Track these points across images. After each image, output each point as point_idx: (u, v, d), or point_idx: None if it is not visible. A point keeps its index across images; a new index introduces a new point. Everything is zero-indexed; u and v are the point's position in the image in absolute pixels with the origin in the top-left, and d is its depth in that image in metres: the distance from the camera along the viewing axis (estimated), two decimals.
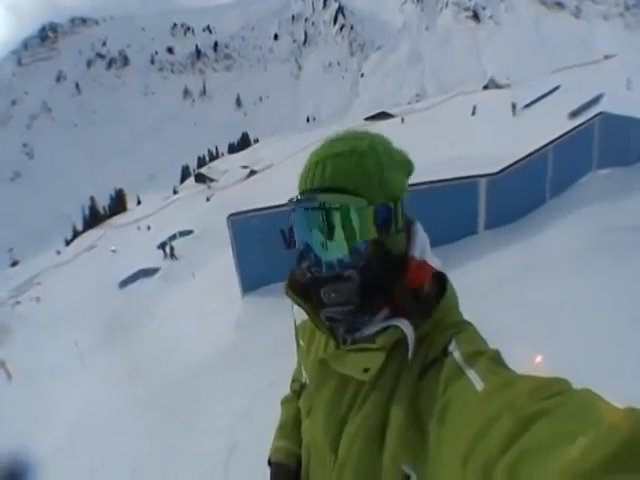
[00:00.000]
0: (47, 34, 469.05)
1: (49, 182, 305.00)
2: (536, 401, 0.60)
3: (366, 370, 0.91)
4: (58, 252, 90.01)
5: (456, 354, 0.82)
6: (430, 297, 0.97)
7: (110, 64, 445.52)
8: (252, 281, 8.76)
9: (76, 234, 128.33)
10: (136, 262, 31.29)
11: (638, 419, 0.48)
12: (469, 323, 0.96)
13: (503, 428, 0.59)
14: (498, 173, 8.84)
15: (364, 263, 0.93)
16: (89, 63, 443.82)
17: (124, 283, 28.66)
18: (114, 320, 18.30)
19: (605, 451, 0.45)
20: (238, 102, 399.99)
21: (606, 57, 73.05)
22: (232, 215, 8.74)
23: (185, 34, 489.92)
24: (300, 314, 1.25)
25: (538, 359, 2.93)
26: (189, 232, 36.57)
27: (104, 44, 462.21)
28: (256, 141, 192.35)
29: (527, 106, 33.07)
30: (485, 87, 75.27)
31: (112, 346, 13.29)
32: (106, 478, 5.41)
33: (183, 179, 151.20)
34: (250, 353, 6.70)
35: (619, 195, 8.34)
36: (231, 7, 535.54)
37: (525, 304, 4.89)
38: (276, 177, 42.59)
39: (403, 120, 54.41)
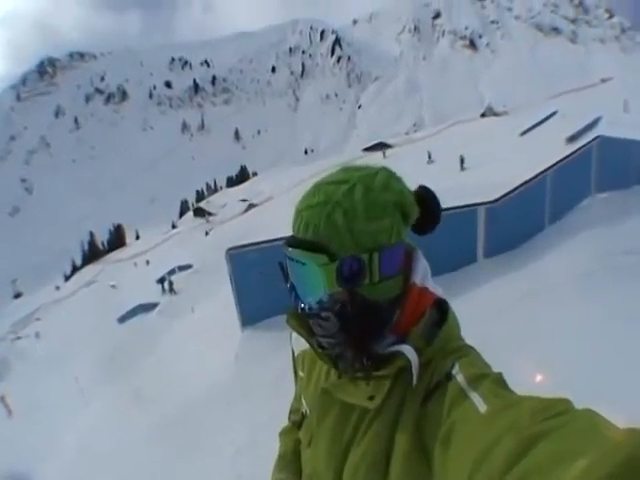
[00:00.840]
0: (46, 69, 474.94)
1: (48, 217, 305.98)
2: (538, 422, 0.60)
3: (371, 398, 0.92)
4: (57, 287, 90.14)
5: (459, 377, 0.83)
6: (432, 324, 0.98)
7: (108, 99, 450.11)
8: (251, 315, 8.71)
9: (75, 269, 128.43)
10: (135, 297, 31.24)
11: (638, 440, 0.48)
12: (471, 347, 0.97)
13: (506, 449, 0.59)
14: (496, 201, 8.86)
15: (339, 309, 0.95)
16: (87, 98, 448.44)
17: (123, 318, 28.54)
18: (114, 355, 18.20)
19: (605, 471, 0.45)
20: (237, 135, 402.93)
21: (603, 80, 74.30)
22: (230, 249, 8.73)
23: (183, 68, 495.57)
24: (299, 344, 1.27)
25: (539, 378, 2.90)
26: (188, 266, 36.64)
27: (102, 79, 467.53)
28: (255, 174, 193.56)
29: (525, 132, 33.26)
30: (483, 115, 76.06)
31: (112, 381, 13.17)
32: None
33: (182, 214, 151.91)
34: (251, 386, 6.65)
35: (618, 218, 8.38)
36: (229, 40, 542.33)
37: (526, 330, 4.88)
38: (275, 210, 42.71)
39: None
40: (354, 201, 0.94)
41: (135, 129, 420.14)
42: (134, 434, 7.15)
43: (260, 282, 8.19)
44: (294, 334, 1.22)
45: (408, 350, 0.91)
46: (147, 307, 28.25)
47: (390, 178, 1.00)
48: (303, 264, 0.95)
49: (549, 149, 12.66)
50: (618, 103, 31.19)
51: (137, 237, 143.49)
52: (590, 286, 5.55)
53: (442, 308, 1.04)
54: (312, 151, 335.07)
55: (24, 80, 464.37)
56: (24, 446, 11.21)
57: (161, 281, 33.55)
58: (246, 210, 71.85)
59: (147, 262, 55.81)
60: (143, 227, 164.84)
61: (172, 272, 35.64)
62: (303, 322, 1.10)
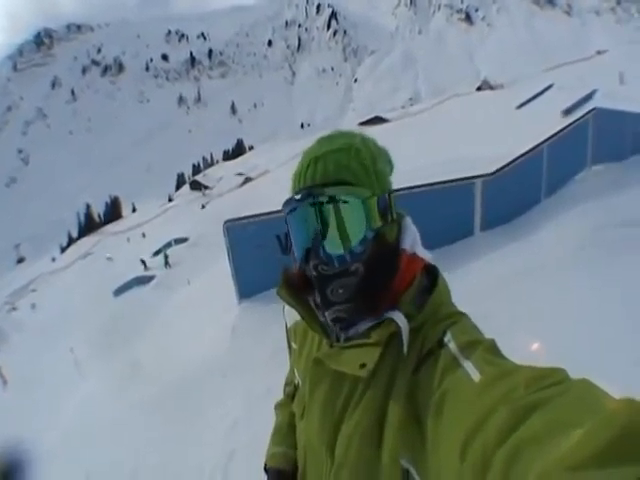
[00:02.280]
0: (42, 40, 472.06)
1: (44, 188, 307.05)
2: (533, 392, 0.60)
3: (363, 366, 0.90)
4: (53, 259, 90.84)
5: (451, 345, 0.82)
6: (422, 290, 0.98)
7: (105, 71, 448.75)
8: (248, 288, 8.67)
9: (71, 241, 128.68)
10: (131, 270, 31.23)
11: (635, 409, 0.47)
12: (463, 314, 0.96)
13: (500, 420, 0.58)
14: (493, 174, 8.82)
15: (368, 255, 0.95)
16: (84, 70, 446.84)
17: (119, 291, 28.58)
18: (109, 327, 18.25)
19: (600, 442, 0.44)
20: (233, 109, 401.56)
21: (598, 53, 73.97)
22: (228, 221, 8.67)
23: (179, 41, 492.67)
24: (291, 316, 1.26)
25: (535, 347, 2.89)
26: (184, 240, 36.68)
27: (99, 51, 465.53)
28: (251, 148, 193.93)
29: (521, 105, 33.12)
30: (479, 88, 75.71)
31: (107, 353, 13.19)
32: None
33: (178, 187, 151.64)
34: (247, 359, 6.64)
35: (614, 190, 8.39)
36: (225, 14, 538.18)
37: (523, 303, 4.88)
38: (271, 184, 42.61)
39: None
40: (370, 148, 1.00)
41: (132, 101, 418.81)
42: (130, 406, 7.16)
43: (257, 254, 8.15)
44: (286, 306, 1.19)
45: (398, 316, 0.90)
46: (143, 280, 28.28)
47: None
48: (345, 202, 0.92)
49: (545, 122, 12.61)
50: (614, 75, 31.10)
51: (133, 210, 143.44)
52: (586, 258, 5.58)
53: (432, 274, 1.03)
54: (308, 125, 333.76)
55: (21, 51, 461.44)
56: (19, 416, 11.24)
57: (157, 254, 33.51)
58: (242, 184, 72.33)
59: (143, 235, 55.97)
60: (139, 200, 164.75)
61: (168, 245, 35.67)
62: (294, 293, 1.08)
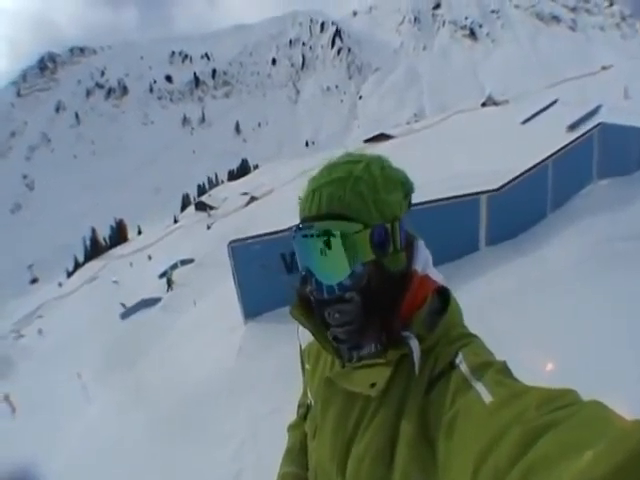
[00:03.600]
0: (46, 64, 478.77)
1: (50, 213, 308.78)
2: (545, 413, 0.60)
3: (373, 385, 0.92)
4: (60, 284, 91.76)
5: (463, 367, 0.82)
6: (434, 311, 0.99)
7: (109, 93, 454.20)
8: (254, 307, 8.61)
9: (77, 265, 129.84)
10: (138, 292, 31.29)
11: None
12: (475, 336, 0.97)
13: (512, 441, 0.58)
14: (498, 189, 8.82)
15: (364, 284, 0.96)
16: (88, 93, 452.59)
17: (126, 314, 28.68)
18: (116, 351, 18.26)
19: (612, 463, 0.44)
20: (237, 128, 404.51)
21: (603, 68, 74.11)
22: (233, 241, 8.63)
23: (183, 62, 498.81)
24: (305, 337, 1.25)
25: (544, 366, 2.85)
26: (190, 261, 36.86)
27: (103, 73, 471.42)
28: (256, 167, 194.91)
29: (526, 121, 33.18)
30: (483, 104, 75.97)
31: (114, 377, 13.17)
32: None
33: (183, 207, 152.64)
34: (253, 379, 6.61)
35: (620, 204, 8.37)
36: (228, 33, 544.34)
37: (529, 317, 4.88)
38: (277, 202, 42.80)
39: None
40: (373, 175, 0.98)
41: (136, 123, 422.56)
42: (137, 428, 7.13)
43: (262, 274, 8.13)
44: (300, 327, 1.19)
45: (410, 337, 0.91)
46: (149, 302, 28.35)
47: (390, 161, 1.07)
48: (333, 236, 0.93)
49: (550, 137, 12.65)
50: (618, 90, 31.18)
51: (139, 232, 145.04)
52: (592, 272, 5.56)
53: (444, 295, 1.04)
54: (313, 143, 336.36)
55: (24, 76, 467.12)
56: (28, 443, 11.22)
57: (163, 276, 33.55)
58: (248, 203, 72.61)
59: (149, 257, 56.35)
60: (145, 222, 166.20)
61: (174, 266, 35.75)
62: (307, 313, 1.09)
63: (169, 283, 31.16)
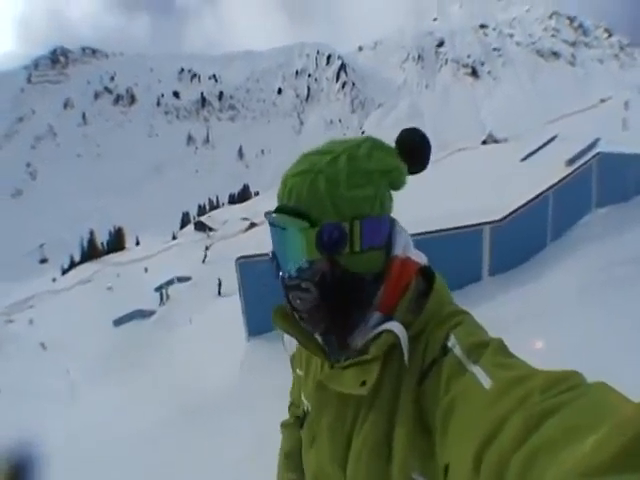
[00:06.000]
0: (58, 57, 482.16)
1: (49, 206, 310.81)
2: (549, 397, 0.59)
3: (363, 383, 0.89)
4: (54, 279, 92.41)
5: (456, 349, 0.80)
6: (418, 294, 0.96)
7: (117, 100, 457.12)
8: (258, 325, 8.63)
9: (73, 264, 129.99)
10: (132, 302, 31.26)
11: None
12: (465, 312, 0.94)
13: (516, 426, 0.57)
14: (501, 220, 9.02)
15: (319, 278, 0.94)
16: (97, 95, 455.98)
17: (119, 321, 28.57)
18: (108, 356, 18.21)
19: (615, 447, 0.43)
20: (240, 153, 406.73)
21: (602, 101, 74.82)
22: (240, 258, 8.75)
23: (191, 80, 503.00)
24: (292, 344, 1.28)
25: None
26: (187, 278, 36.85)
27: (112, 79, 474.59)
28: (257, 194, 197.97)
29: (525, 158, 33.48)
30: (484, 142, 76.48)
31: (105, 381, 13.09)
32: None
33: (183, 225, 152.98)
34: (255, 396, 6.61)
35: (618, 231, 8.64)
36: (237, 58, 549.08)
37: (529, 346, 4.94)
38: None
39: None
40: (337, 169, 0.93)
41: (141, 134, 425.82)
42: (125, 437, 7.00)
43: (268, 293, 8.09)
44: (285, 336, 1.21)
45: (394, 326, 0.89)
46: (144, 313, 28.34)
47: (374, 148, 0.99)
48: (283, 229, 0.95)
49: (549, 173, 12.83)
50: (617, 122, 31.46)
51: (137, 243, 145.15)
52: (592, 297, 5.71)
53: (427, 275, 1.01)
54: None
55: (36, 64, 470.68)
56: (10, 425, 11.07)
57: (159, 289, 33.55)
58: (247, 229, 73.67)
59: (145, 269, 56.39)
60: (143, 233, 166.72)
61: (171, 282, 35.77)
62: (290, 318, 1.08)
63: (162, 297, 31.22)
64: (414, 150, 1.03)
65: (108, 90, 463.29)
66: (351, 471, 0.96)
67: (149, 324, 25.05)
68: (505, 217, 9.16)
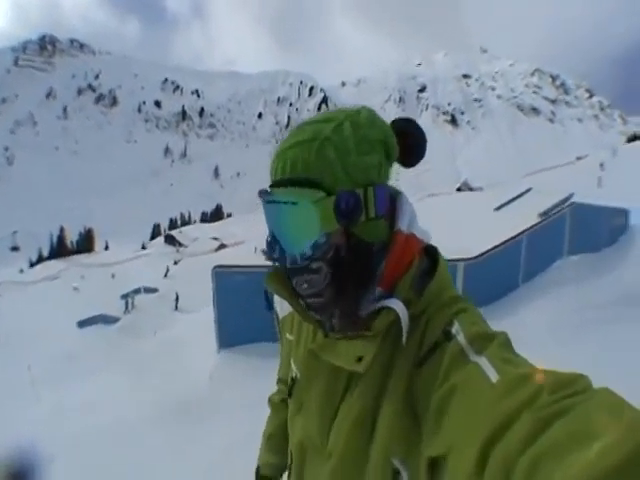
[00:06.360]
0: (46, 45, 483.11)
1: (23, 194, 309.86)
2: (557, 400, 0.57)
3: (359, 359, 0.86)
4: (21, 270, 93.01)
5: (460, 337, 0.77)
6: (421, 273, 0.92)
7: (99, 99, 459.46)
8: (229, 338, 8.48)
9: (41, 258, 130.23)
10: (96, 306, 30.93)
11: None
12: (467, 300, 0.91)
13: (523, 428, 0.56)
14: (475, 258, 9.29)
15: (332, 254, 0.89)
16: (80, 91, 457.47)
17: (83, 323, 28.11)
18: (72, 356, 17.90)
19: (621, 454, 0.44)
20: (216, 173, 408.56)
21: (578, 158, 76.55)
22: (217, 267, 8.65)
23: (174, 92, 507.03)
24: (283, 307, 1.21)
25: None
26: (154, 290, 36.81)
27: (97, 77, 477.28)
28: (229, 215, 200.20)
29: (499, 207, 33.96)
30: (459, 189, 77.53)
31: (68, 381, 12.82)
32: None
33: (153, 236, 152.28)
34: (224, 407, 6.60)
35: (589, 277, 9.05)
36: (221, 77, 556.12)
37: None
38: (245, 255, 43.49)
39: None
40: (344, 136, 0.89)
41: (119, 138, 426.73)
42: (89, 437, 6.80)
43: (243, 306, 8.07)
44: (276, 296, 1.16)
45: (396, 303, 0.85)
46: (108, 319, 27.98)
47: (374, 115, 0.96)
48: (294, 204, 0.87)
49: (521, 223, 13.19)
50: (592, 179, 32.15)
51: (106, 247, 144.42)
52: (564, 336, 5.95)
53: (432, 255, 0.97)
54: None
55: (24, 47, 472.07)
56: None
57: (125, 297, 33.27)
58: (217, 249, 74.43)
59: (113, 275, 55.89)
60: (113, 239, 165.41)
61: (138, 291, 35.56)
62: (284, 282, 1.01)
63: (127, 305, 31.11)
64: (410, 142, 1.00)
65: (91, 88, 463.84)
66: (331, 444, 0.94)
67: (113, 330, 24.70)
68: (479, 255, 9.45)
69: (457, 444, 0.65)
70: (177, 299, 30.57)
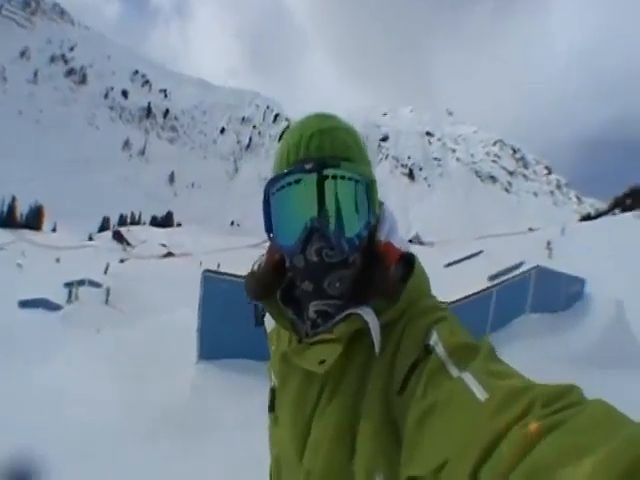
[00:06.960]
0: (30, 1, 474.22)
1: None
2: (549, 414, 0.56)
3: (322, 362, 0.84)
4: None
5: (439, 349, 0.75)
6: (397, 279, 0.89)
7: (69, 73, 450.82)
8: (211, 349, 7.82)
9: None
10: (38, 288, 29.88)
11: None
12: (445, 307, 0.89)
13: (514, 443, 0.54)
14: (448, 304, 9.46)
15: (363, 245, 0.90)
16: (52, 58, 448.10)
17: (25, 304, 27.05)
18: (14, 338, 17.09)
19: (617, 469, 0.42)
20: (172, 178, 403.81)
21: (530, 229, 78.78)
22: (207, 271, 8.23)
23: (142, 86, 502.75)
24: (271, 322, 1.16)
25: None
26: (98, 285, 36.07)
27: (72, 49, 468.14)
28: (179, 224, 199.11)
29: (450, 265, 34.47)
30: (410, 241, 78.96)
31: (9, 368, 12.18)
32: None
33: (101, 229, 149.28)
34: (204, 420, 6.33)
35: (548, 335, 10.30)
36: (190, 82, 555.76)
37: None
38: (191, 267, 43.92)
39: None
40: (356, 132, 0.92)
41: (82, 119, 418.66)
42: (31, 439, 5.74)
43: (229, 318, 7.67)
44: (267, 313, 1.09)
45: (366, 311, 0.83)
46: (51, 305, 27.10)
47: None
48: (357, 181, 0.85)
49: (471, 283, 13.64)
50: (543, 250, 33.05)
51: (54, 229, 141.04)
52: None
53: (408, 262, 0.94)
54: (238, 225, 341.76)
55: None
56: None
57: (68, 286, 32.28)
58: (165, 256, 74.34)
59: (57, 260, 54.75)
60: (61, 222, 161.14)
61: (82, 282, 34.67)
62: (261, 287, 1.02)
63: (70, 295, 30.34)
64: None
65: (64, 59, 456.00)
66: (308, 461, 0.90)
67: (55, 318, 23.85)
68: (451, 303, 9.62)
69: (448, 462, 0.61)
70: (108, 293, 30.61)
